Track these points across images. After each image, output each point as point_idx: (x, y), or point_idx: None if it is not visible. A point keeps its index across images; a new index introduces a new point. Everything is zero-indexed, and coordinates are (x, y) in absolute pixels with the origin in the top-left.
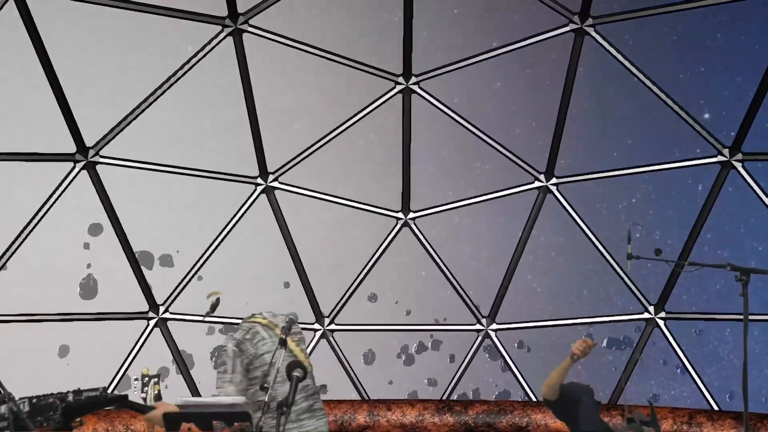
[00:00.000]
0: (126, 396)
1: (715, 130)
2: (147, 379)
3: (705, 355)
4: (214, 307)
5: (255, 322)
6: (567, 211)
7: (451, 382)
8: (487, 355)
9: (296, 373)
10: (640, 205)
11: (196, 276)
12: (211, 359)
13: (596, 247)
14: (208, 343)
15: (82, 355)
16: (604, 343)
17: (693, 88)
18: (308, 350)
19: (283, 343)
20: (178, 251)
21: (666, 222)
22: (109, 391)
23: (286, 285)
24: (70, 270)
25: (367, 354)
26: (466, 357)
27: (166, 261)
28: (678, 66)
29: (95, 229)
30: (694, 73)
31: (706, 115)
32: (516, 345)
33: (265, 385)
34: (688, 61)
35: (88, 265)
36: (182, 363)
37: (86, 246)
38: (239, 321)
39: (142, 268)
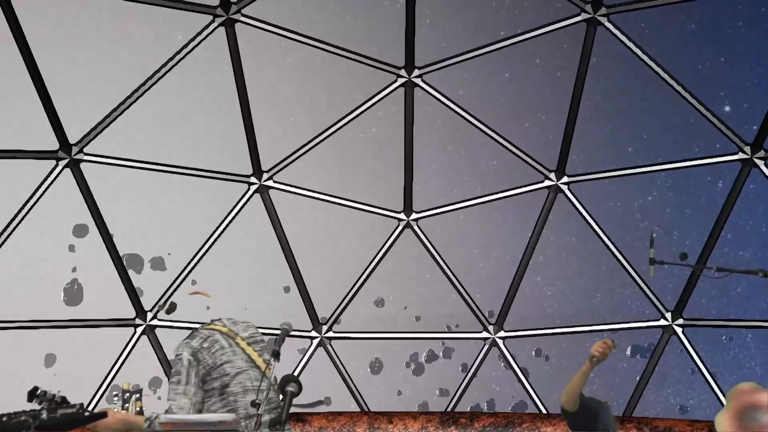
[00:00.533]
0: (106, 413)
1: (737, 125)
2: (128, 395)
3: (726, 362)
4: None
5: (214, 330)
6: (579, 211)
7: (456, 393)
8: (502, 364)
9: (290, 388)
10: (656, 203)
11: (188, 280)
12: None
13: (610, 249)
14: None
15: (70, 364)
16: (628, 351)
17: (713, 80)
18: (305, 359)
19: (276, 355)
20: (169, 254)
21: (684, 221)
22: (94, 403)
23: (286, 289)
24: (54, 274)
25: (374, 363)
26: (472, 366)
27: (158, 264)
28: (696, 56)
29: (81, 231)
30: (714, 64)
31: (727, 108)
32: (533, 353)
33: (257, 401)
34: (708, 50)
35: (74, 269)
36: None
37: (71, 248)
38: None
39: (131, 271)
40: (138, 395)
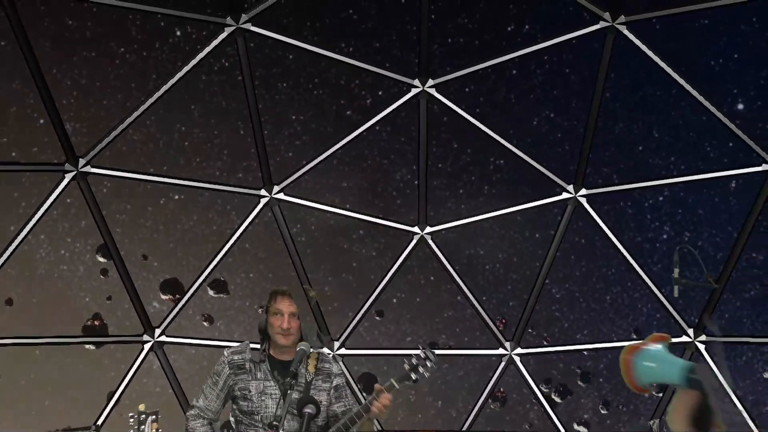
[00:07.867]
0: None
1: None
2: (144, 416)
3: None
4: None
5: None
6: (597, 222)
7: (470, 414)
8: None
9: (308, 409)
10: (667, 203)
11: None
12: None
13: (627, 260)
14: None
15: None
16: None
17: (725, 78)
18: None
19: (294, 376)
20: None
21: (697, 222)
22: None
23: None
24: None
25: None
26: (487, 386)
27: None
28: (708, 55)
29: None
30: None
31: (740, 107)
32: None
33: (274, 422)
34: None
35: (108, 298)
36: (181, 394)
37: (103, 272)
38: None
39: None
40: (154, 417)
